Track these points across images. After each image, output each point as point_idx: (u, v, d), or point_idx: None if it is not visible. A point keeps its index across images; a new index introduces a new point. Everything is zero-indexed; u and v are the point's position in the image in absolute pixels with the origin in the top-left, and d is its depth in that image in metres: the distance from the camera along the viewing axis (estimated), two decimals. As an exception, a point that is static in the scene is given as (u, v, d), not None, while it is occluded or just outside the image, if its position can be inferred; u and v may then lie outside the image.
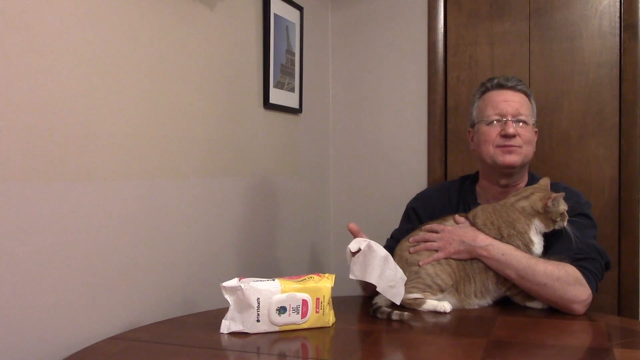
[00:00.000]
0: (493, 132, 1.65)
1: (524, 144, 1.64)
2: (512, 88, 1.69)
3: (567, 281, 1.44)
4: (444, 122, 2.48)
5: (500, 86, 1.69)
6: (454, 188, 1.83)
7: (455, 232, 1.53)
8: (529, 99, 1.71)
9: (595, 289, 1.47)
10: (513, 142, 1.63)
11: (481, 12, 2.45)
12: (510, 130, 1.62)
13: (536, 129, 1.73)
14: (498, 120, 1.65)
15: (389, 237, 1.83)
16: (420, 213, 1.81)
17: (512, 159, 1.63)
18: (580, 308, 1.45)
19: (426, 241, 1.56)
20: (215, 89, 1.79)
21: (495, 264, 1.48)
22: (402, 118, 2.55)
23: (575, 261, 1.47)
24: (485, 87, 1.73)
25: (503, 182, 1.69)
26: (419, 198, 1.89)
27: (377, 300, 1.48)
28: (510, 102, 1.66)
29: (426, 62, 2.50)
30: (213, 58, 1.78)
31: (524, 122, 1.65)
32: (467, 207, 1.71)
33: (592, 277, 1.47)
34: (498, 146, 1.65)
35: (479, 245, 1.49)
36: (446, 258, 1.51)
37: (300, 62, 2.30)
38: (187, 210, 1.67)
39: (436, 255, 1.52)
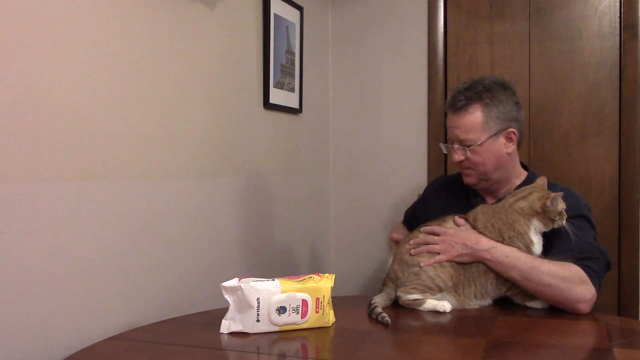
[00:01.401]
0: (451, 157, 1.71)
1: (475, 166, 1.65)
2: (457, 110, 1.65)
3: (572, 281, 1.43)
4: (444, 122, 2.48)
5: (450, 108, 1.68)
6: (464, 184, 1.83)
7: (458, 235, 1.52)
8: (485, 109, 1.63)
9: (598, 287, 1.47)
10: (463, 165, 1.68)
11: (481, 12, 2.45)
12: (454, 158, 1.68)
13: (511, 130, 1.64)
14: (451, 146, 1.70)
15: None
16: (426, 204, 1.86)
17: (468, 180, 1.71)
18: (585, 307, 1.45)
19: (427, 243, 1.56)
20: (215, 89, 1.79)
21: (499, 266, 1.48)
22: (402, 118, 2.55)
23: (578, 260, 1.47)
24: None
25: (481, 188, 1.72)
26: (430, 187, 1.95)
27: (376, 300, 1.48)
28: (453, 129, 1.66)
29: (426, 62, 2.50)
30: (213, 58, 1.78)
31: (470, 145, 1.63)
32: (469, 200, 1.74)
33: (596, 276, 1.47)
34: (459, 167, 1.72)
35: (482, 249, 1.48)
36: (448, 261, 1.51)
37: (300, 62, 2.30)
38: (187, 210, 1.67)
39: (438, 258, 1.51)
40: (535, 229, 1.50)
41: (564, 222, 1.49)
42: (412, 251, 1.55)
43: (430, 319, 1.43)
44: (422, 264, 1.51)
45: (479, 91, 1.64)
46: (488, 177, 1.67)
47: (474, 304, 1.51)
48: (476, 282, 1.50)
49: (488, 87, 1.65)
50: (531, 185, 1.58)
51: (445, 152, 1.77)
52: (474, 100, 1.63)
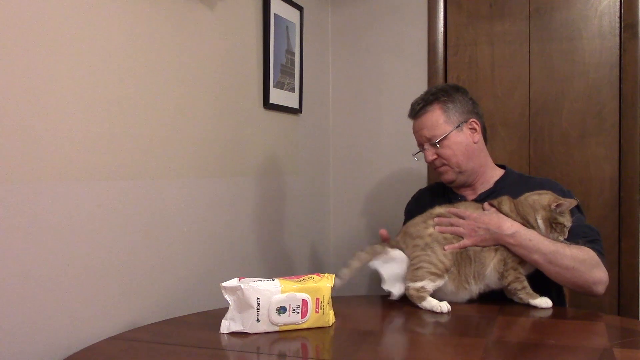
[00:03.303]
0: (424, 159, 1.79)
1: (447, 160, 1.73)
2: (417, 114, 1.76)
3: (591, 264, 1.47)
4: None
5: (411, 116, 1.80)
6: (442, 185, 1.87)
7: (481, 220, 1.53)
8: (443, 106, 1.73)
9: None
10: (437, 164, 1.76)
11: (481, 12, 2.45)
12: (428, 158, 1.76)
13: (472, 120, 1.74)
14: (421, 149, 1.80)
15: None
16: (414, 215, 1.83)
17: (446, 177, 1.78)
18: (602, 289, 1.49)
19: (451, 224, 1.57)
20: (215, 89, 1.79)
21: (522, 250, 1.49)
22: (402, 118, 2.53)
23: (586, 244, 1.51)
24: None
25: (459, 183, 1.78)
26: (412, 201, 1.97)
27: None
28: (419, 132, 1.77)
29: (426, 62, 2.50)
30: (213, 58, 1.78)
31: (439, 141, 1.72)
32: (451, 201, 1.76)
33: (603, 257, 1.51)
34: (433, 168, 1.80)
35: (505, 233, 1.50)
36: (472, 245, 1.52)
37: (300, 62, 2.30)
38: (187, 210, 1.67)
39: (462, 243, 1.52)
40: (539, 225, 1.51)
41: (562, 238, 1.50)
42: (437, 228, 1.55)
43: (431, 319, 1.43)
44: (446, 248, 1.52)
45: (434, 93, 1.77)
46: (462, 169, 1.74)
47: (472, 288, 1.52)
48: (477, 259, 1.51)
49: (442, 89, 1.78)
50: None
51: (417, 159, 1.90)
52: (431, 102, 1.75)
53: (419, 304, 1.48)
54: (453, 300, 1.52)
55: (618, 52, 2.28)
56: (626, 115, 2.26)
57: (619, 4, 2.28)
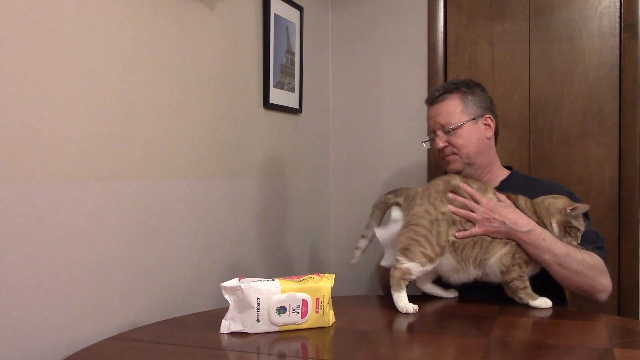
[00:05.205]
0: (435, 145, 1.78)
1: (458, 149, 1.73)
2: (436, 100, 1.77)
3: (598, 270, 1.48)
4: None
5: (429, 102, 1.81)
6: None
7: (497, 211, 1.51)
8: (462, 96, 1.74)
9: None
10: (446, 152, 1.75)
11: (481, 12, 2.45)
12: (438, 145, 1.76)
13: (488, 116, 1.77)
14: (433, 136, 1.78)
15: None
16: None
17: (452, 167, 1.76)
18: (605, 296, 1.50)
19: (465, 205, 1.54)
20: (215, 89, 1.79)
21: (534, 249, 1.48)
22: (402, 118, 2.55)
23: (594, 250, 1.52)
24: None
25: (466, 175, 1.76)
26: None
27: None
28: (434, 118, 1.77)
29: (426, 62, 2.50)
30: (213, 58, 1.78)
31: (452, 129, 1.72)
32: None
33: (607, 265, 1.52)
34: (441, 157, 1.79)
35: (520, 230, 1.48)
36: (482, 235, 1.50)
37: (300, 62, 2.30)
38: (187, 210, 1.67)
39: (473, 231, 1.51)
40: (554, 229, 1.51)
41: (576, 243, 1.50)
42: (452, 208, 1.53)
43: (430, 319, 1.43)
44: (457, 235, 1.50)
45: (455, 83, 1.78)
46: (472, 161, 1.74)
47: (470, 271, 1.51)
48: (482, 246, 1.50)
49: (464, 81, 1.80)
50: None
51: (427, 147, 1.89)
52: (451, 90, 1.76)
53: (392, 292, 1.47)
54: (449, 278, 1.53)
55: (618, 52, 2.28)
56: (626, 115, 2.26)
57: (619, 4, 2.28)
